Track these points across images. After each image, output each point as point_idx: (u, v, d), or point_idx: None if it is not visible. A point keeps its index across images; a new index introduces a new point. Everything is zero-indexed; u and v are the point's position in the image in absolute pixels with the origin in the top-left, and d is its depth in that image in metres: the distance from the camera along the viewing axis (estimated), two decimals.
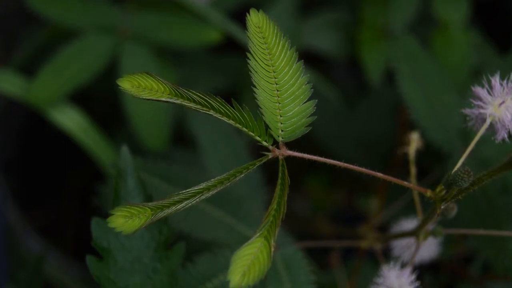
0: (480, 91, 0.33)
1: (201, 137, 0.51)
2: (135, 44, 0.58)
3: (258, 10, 0.31)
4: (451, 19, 0.62)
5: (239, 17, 0.58)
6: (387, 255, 0.42)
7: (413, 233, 0.37)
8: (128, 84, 0.28)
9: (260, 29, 0.30)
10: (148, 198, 0.37)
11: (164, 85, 0.29)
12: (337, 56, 0.66)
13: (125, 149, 0.37)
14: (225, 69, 0.65)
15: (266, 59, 0.30)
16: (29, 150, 0.72)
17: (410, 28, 0.64)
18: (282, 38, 0.31)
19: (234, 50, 0.61)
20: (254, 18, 0.31)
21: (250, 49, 0.30)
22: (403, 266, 0.36)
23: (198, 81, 0.64)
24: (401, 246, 0.42)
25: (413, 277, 0.36)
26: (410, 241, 0.41)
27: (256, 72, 0.30)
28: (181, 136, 0.64)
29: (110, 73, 0.58)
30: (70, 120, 0.58)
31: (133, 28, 0.59)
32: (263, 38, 0.30)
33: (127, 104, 0.57)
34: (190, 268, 0.39)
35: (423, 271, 0.42)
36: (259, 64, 0.30)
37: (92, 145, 0.58)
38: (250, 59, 0.30)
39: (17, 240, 0.61)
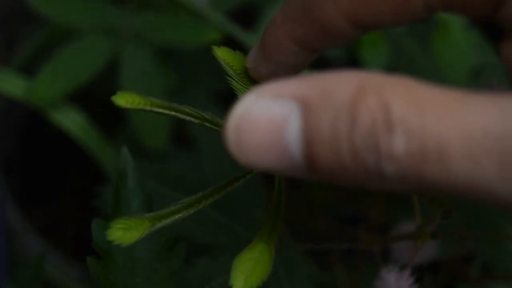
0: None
1: (200, 138, 0.51)
2: (135, 44, 0.58)
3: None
4: (451, 19, 0.62)
5: (239, 17, 0.58)
6: (386, 257, 0.42)
7: (412, 235, 0.37)
8: (123, 101, 0.29)
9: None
10: (148, 198, 0.37)
11: (157, 102, 0.30)
12: (337, 56, 0.66)
13: (125, 150, 0.37)
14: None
15: None
16: (29, 150, 0.72)
17: (410, 28, 0.64)
18: None
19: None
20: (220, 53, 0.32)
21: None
22: (402, 268, 0.36)
23: (198, 81, 0.64)
24: (400, 248, 0.42)
25: (412, 279, 0.36)
26: (409, 243, 0.41)
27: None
28: (181, 136, 0.64)
29: (110, 73, 0.58)
30: (70, 120, 0.58)
31: (133, 28, 0.59)
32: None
33: None
34: (189, 270, 0.39)
35: (423, 271, 0.42)
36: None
37: (92, 145, 0.58)
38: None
39: (17, 240, 0.62)
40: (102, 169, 0.58)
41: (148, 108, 0.29)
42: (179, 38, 0.58)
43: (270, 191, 0.49)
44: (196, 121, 0.30)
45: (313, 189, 0.67)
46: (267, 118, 0.21)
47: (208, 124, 0.30)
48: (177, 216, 0.29)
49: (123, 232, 0.28)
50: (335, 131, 0.20)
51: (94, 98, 0.66)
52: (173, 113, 0.30)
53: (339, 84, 0.21)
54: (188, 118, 0.30)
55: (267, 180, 0.50)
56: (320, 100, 0.21)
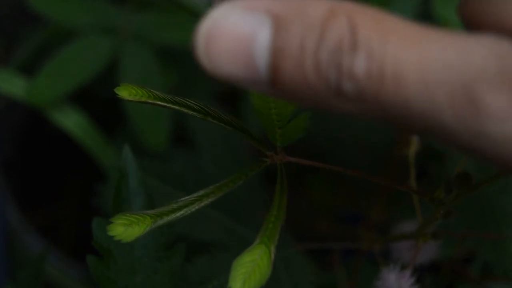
0: None
1: (199, 138, 0.51)
2: (135, 44, 0.58)
3: None
4: (450, 19, 0.62)
5: None
6: (387, 257, 0.42)
7: (413, 235, 0.37)
8: (126, 93, 0.29)
9: None
10: (149, 197, 0.37)
11: (160, 95, 0.29)
12: None
13: (127, 149, 0.37)
14: None
15: None
16: (29, 150, 0.72)
17: None
18: None
19: None
20: None
21: None
22: (403, 268, 0.36)
23: (198, 81, 0.64)
24: (401, 248, 0.42)
25: (412, 279, 0.35)
26: (410, 243, 0.41)
27: None
28: (181, 136, 0.64)
29: (110, 73, 0.58)
30: (70, 120, 0.58)
31: (133, 28, 0.59)
32: None
33: (127, 104, 0.57)
34: (189, 269, 0.39)
35: (423, 271, 0.42)
36: None
37: (92, 145, 0.58)
38: None
39: (17, 240, 0.62)
40: (102, 169, 0.58)
41: (150, 101, 0.29)
42: (179, 38, 0.58)
43: (270, 189, 0.49)
44: (199, 116, 0.29)
45: (313, 190, 0.67)
46: (238, 27, 0.22)
47: (211, 120, 0.29)
48: (178, 214, 0.29)
49: (125, 228, 0.27)
50: (302, 46, 0.21)
51: (94, 98, 0.66)
52: (175, 107, 0.29)
53: (312, 5, 0.22)
54: (190, 112, 0.29)
55: (268, 179, 0.50)
56: (292, 16, 0.22)
